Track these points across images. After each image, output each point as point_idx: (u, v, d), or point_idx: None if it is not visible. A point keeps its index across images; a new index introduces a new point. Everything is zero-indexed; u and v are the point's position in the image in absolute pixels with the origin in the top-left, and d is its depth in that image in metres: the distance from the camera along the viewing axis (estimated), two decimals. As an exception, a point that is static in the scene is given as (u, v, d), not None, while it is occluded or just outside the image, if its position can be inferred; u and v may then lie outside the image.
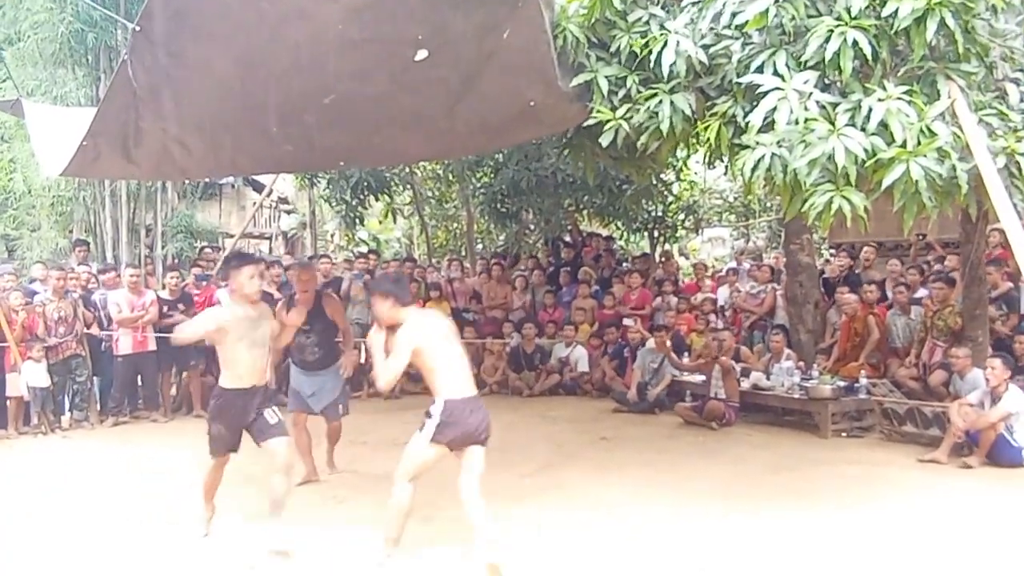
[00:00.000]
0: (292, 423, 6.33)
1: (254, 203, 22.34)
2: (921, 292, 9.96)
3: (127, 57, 5.48)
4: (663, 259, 14.27)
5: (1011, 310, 9.02)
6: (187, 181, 15.34)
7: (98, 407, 9.95)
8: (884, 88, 4.65)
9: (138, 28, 5.17)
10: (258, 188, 22.54)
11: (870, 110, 4.59)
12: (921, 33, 4.58)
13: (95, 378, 10.03)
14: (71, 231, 14.96)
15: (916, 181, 4.46)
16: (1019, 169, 4.89)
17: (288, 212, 26.97)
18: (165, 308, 10.27)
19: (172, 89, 5.88)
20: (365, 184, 14.71)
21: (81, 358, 9.72)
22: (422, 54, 5.53)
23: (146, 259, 13.84)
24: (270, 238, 27.46)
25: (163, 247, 14.55)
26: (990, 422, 7.08)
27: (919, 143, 4.53)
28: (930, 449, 7.48)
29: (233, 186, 25.41)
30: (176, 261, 13.73)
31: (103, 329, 10.00)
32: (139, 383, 10.33)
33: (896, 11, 4.57)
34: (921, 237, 11.30)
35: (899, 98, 4.57)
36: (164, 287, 10.83)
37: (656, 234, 16.42)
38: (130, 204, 13.55)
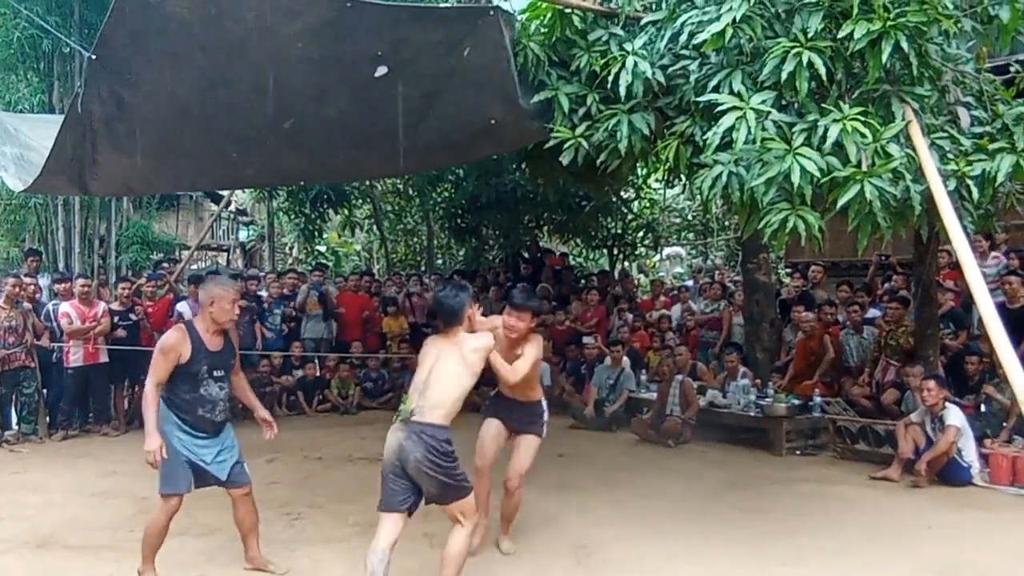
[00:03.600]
0: (169, 510, 4.88)
1: (212, 215, 22.14)
2: (873, 312, 10.11)
3: (81, 89, 5.39)
4: (621, 276, 14.33)
5: (958, 328, 9.17)
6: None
7: (47, 420, 9.72)
8: (840, 109, 4.70)
9: (94, 56, 5.08)
10: (216, 200, 22.33)
11: (826, 130, 4.63)
12: (876, 56, 4.64)
13: (44, 391, 9.80)
14: (23, 240, 14.69)
15: (870, 201, 4.50)
16: (969, 192, 4.98)
17: (246, 224, 26.78)
18: (116, 319, 10.10)
19: (129, 117, 5.80)
20: (324, 197, 14.65)
21: (30, 370, 9.50)
22: (382, 70, 5.51)
23: (99, 270, 13.62)
24: (228, 250, 27.22)
25: (117, 258, 14.32)
26: (943, 451, 7.17)
27: (874, 164, 4.58)
28: (883, 467, 7.56)
29: (191, 198, 25.19)
30: (130, 272, 13.52)
31: (54, 340, 9.79)
32: (90, 396, 10.12)
33: (851, 33, 4.63)
34: (883, 258, 11.45)
35: (854, 119, 4.61)
36: (116, 299, 10.64)
37: (615, 251, 16.51)
38: (83, 214, 13.31)
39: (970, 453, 7.28)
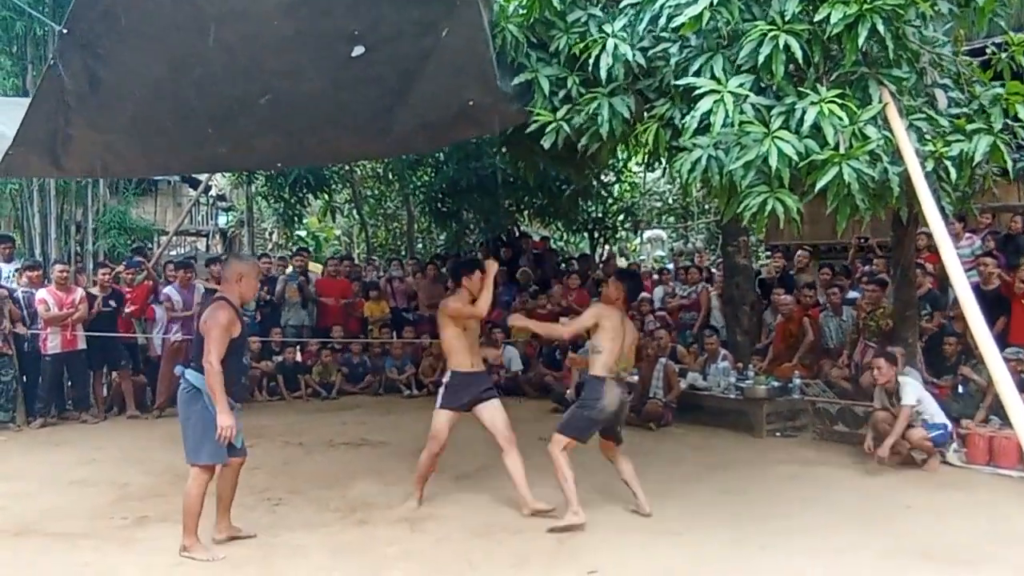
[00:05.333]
0: (207, 479, 5.14)
1: (190, 200, 21.97)
2: (852, 294, 10.17)
3: (54, 61, 5.32)
4: (604, 260, 14.33)
5: (935, 309, 9.24)
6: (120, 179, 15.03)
7: (25, 408, 9.63)
8: (817, 92, 4.70)
9: (65, 31, 5.02)
10: (195, 185, 22.14)
11: (803, 113, 4.63)
12: (853, 38, 4.64)
13: (22, 378, 9.70)
14: (-2, 227, 14.52)
15: (848, 184, 4.51)
16: (947, 173, 4.99)
17: (225, 210, 26.58)
18: (100, 304, 10.04)
19: (102, 93, 5.72)
20: (304, 182, 14.57)
21: (7, 357, 9.41)
22: (358, 50, 5.46)
23: (77, 256, 13.49)
24: (207, 235, 27.03)
25: (94, 243, 14.19)
26: (899, 434, 7.17)
27: (851, 146, 4.59)
28: (861, 448, 7.60)
29: (170, 183, 24.93)
30: (107, 258, 13.40)
31: (28, 327, 9.69)
32: (68, 383, 10.05)
33: (828, 16, 4.62)
34: (862, 240, 11.51)
35: (832, 101, 4.61)
36: (95, 283, 10.55)
37: (596, 235, 16.51)
38: (60, 199, 13.17)
39: (935, 417, 7.29)
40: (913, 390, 7.25)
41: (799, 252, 11.81)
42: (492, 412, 6.14)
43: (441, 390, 6.18)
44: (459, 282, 6.28)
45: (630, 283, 6.23)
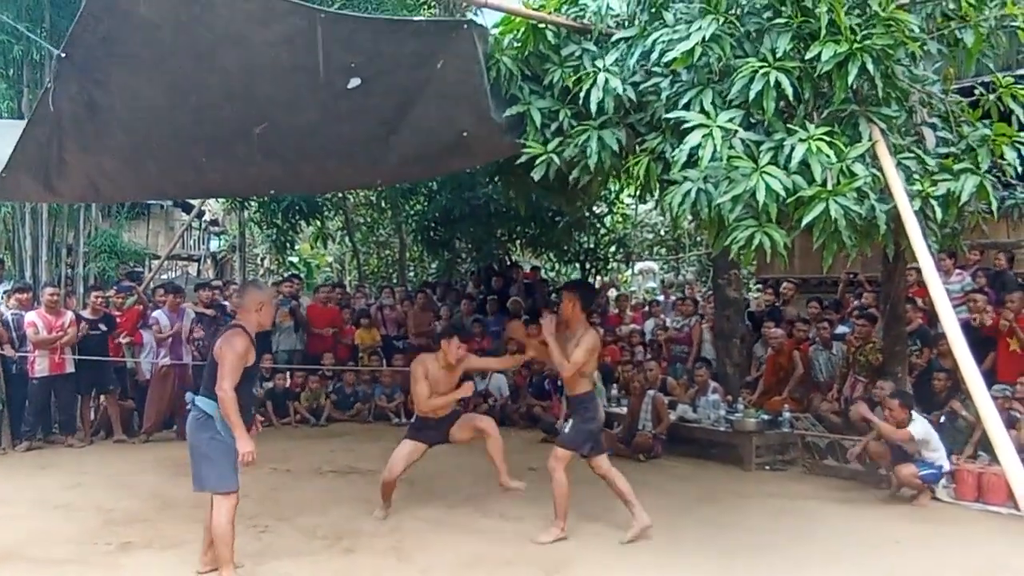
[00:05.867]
0: (233, 505, 5.10)
1: (182, 224, 21.98)
2: (842, 328, 10.21)
3: (51, 85, 5.35)
4: (597, 290, 14.34)
5: (925, 345, 9.27)
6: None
7: (9, 431, 9.56)
8: (806, 128, 4.76)
9: (63, 55, 5.05)
10: (187, 209, 22.17)
11: (792, 149, 4.68)
12: (843, 77, 4.71)
13: (6, 400, 9.62)
14: (-11, 250, 14.45)
15: (835, 220, 4.56)
16: (933, 212, 5.05)
17: (217, 234, 26.58)
18: (86, 327, 9.99)
19: (97, 118, 5.75)
20: (296, 208, 14.58)
21: (-6, 379, 9.37)
22: (355, 82, 5.51)
23: (67, 279, 13.45)
24: (199, 260, 27.01)
25: (85, 267, 14.15)
26: (887, 434, 7.27)
27: (839, 183, 4.64)
28: (851, 483, 7.60)
29: (162, 207, 24.97)
30: (98, 282, 13.36)
31: (16, 349, 9.64)
32: (54, 406, 9.99)
33: (819, 55, 4.70)
34: (852, 275, 11.57)
35: (820, 138, 4.67)
36: (86, 307, 10.52)
37: (588, 266, 16.56)
38: (51, 222, 13.13)
39: (937, 460, 7.30)
40: (922, 425, 7.28)
41: (784, 284, 11.89)
42: (461, 427, 6.61)
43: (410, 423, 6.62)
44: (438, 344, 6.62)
45: (582, 291, 6.34)
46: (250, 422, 5.11)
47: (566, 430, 6.24)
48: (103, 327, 10.19)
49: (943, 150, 5.46)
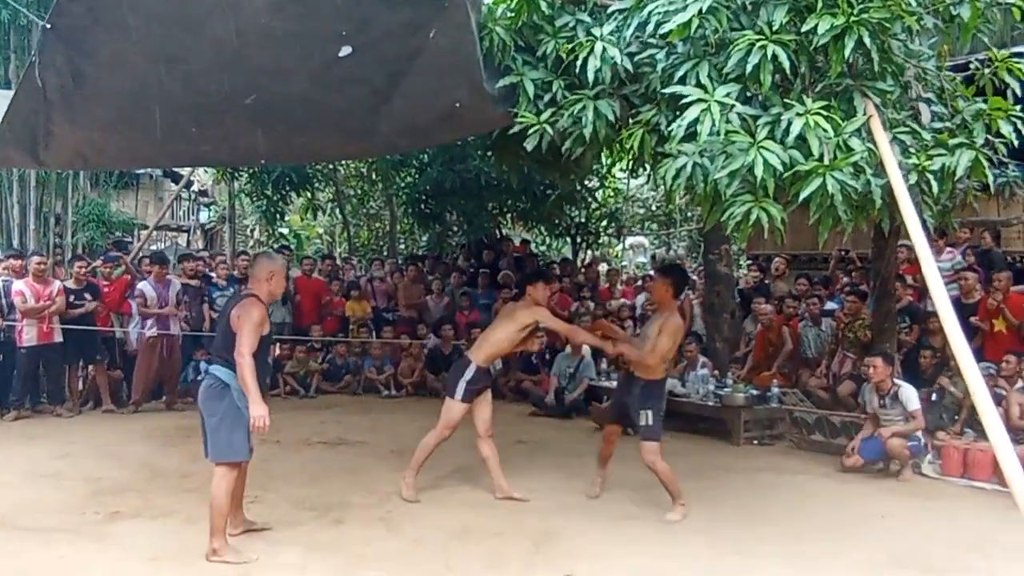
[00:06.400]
0: (233, 476, 5.14)
1: (172, 194, 21.86)
2: (831, 305, 10.23)
3: (36, 58, 5.27)
4: (586, 265, 14.35)
5: (914, 322, 9.30)
6: (101, 172, 14.91)
7: (-2, 400, 9.53)
8: (803, 103, 4.72)
9: (49, 25, 4.97)
10: (176, 179, 22.04)
11: (789, 124, 4.65)
12: (839, 50, 4.67)
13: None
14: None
15: (832, 195, 4.53)
16: (929, 186, 5.02)
17: (207, 205, 26.48)
18: (71, 298, 9.91)
19: (84, 89, 5.65)
20: (287, 180, 14.48)
21: (-19, 349, 9.31)
22: (346, 51, 5.44)
23: (55, 248, 13.39)
24: (188, 231, 26.91)
25: (73, 236, 14.09)
26: (914, 430, 7.29)
27: (835, 157, 4.61)
28: (838, 457, 7.64)
29: (151, 177, 24.85)
30: (86, 251, 13.30)
31: (4, 318, 9.58)
32: (43, 376, 9.95)
33: (815, 27, 4.65)
34: (843, 252, 11.58)
35: (817, 113, 4.64)
36: (71, 276, 10.46)
37: (579, 240, 16.54)
38: (39, 191, 13.08)
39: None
40: (915, 396, 7.32)
41: (775, 260, 11.90)
42: (484, 405, 6.48)
43: (464, 384, 6.34)
44: (523, 291, 6.65)
45: (676, 277, 6.37)
46: (264, 391, 5.11)
47: (644, 422, 6.10)
48: (88, 296, 10.11)
49: (938, 125, 5.43)
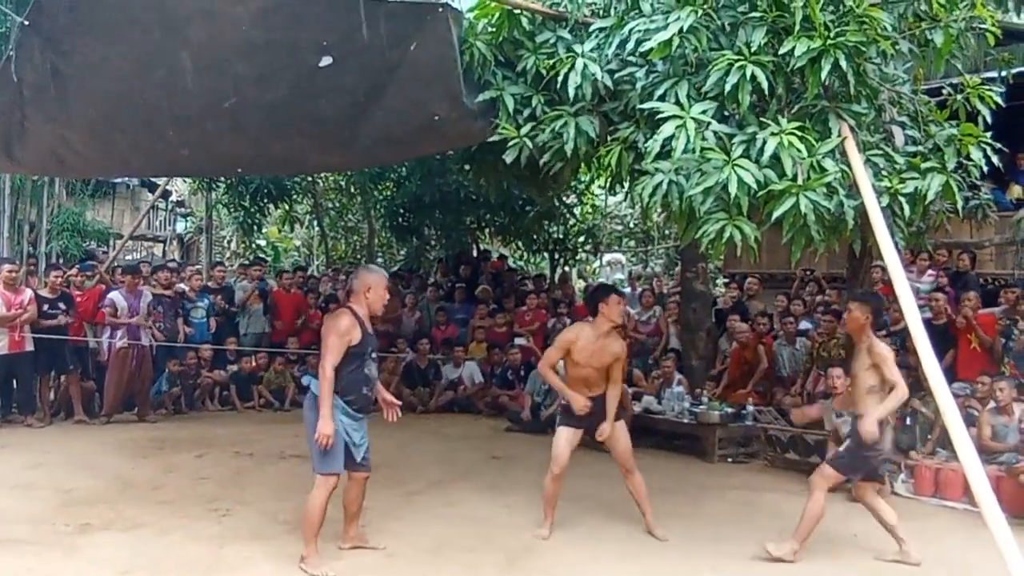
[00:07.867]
0: (329, 488, 5.16)
1: (148, 204, 21.71)
2: (806, 324, 10.31)
3: (13, 53, 5.24)
4: (560, 281, 14.41)
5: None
6: (77, 179, 14.80)
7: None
8: (778, 123, 4.78)
9: (27, 23, 4.95)
10: (154, 189, 21.91)
11: (764, 143, 4.71)
12: (816, 72, 4.74)
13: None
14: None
15: (805, 214, 4.59)
16: (901, 209, 5.10)
17: (184, 216, 26.32)
18: (45, 307, 9.80)
19: (62, 88, 5.64)
20: (264, 191, 14.46)
21: (-49, 357, 9.18)
22: (326, 60, 5.47)
23: (29, 257, 13.26)
24: (164, 241, 26.74)
25: (48, 244, 13.97)
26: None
27: (809, 178, 4.67)
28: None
29: (128, 186, 24.67)
30: (60, 260, 13.19)
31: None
32: (14, 385, 9.82)
33: (793, 50, 4.72)
34: (808, 272, 11.68)
35: (791, 133, 4.70)
36: (45, 285, 10.35)
37: (556, 256, 16.58)
38: (13, 198, 12.96)
39: None
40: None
41: (749, 279, 11.99)
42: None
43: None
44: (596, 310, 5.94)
45: (874, 305, 5.69)
46: (364, 404, 5.21)
47: (843, 450, 5.70)
48: (62, 306, 10.00)
49: (911, 149, 5.52)
